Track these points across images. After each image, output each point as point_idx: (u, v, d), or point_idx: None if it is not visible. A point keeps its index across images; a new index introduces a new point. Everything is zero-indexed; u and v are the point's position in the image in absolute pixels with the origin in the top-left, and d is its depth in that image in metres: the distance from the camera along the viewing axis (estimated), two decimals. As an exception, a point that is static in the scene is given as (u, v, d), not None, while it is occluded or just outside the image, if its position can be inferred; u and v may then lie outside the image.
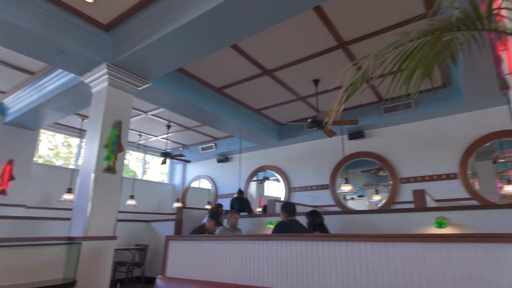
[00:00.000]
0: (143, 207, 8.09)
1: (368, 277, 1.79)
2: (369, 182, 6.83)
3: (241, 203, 6.54)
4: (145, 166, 9.36)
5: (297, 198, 7.20)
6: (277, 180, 7.85)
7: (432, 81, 1.35)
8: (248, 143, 7.51)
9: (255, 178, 8.30)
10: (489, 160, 5.39)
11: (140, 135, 7.72)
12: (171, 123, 6.90)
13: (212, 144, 8.33)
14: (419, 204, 4.34)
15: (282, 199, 7.48)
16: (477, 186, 5.34)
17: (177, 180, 9.85)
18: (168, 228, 5.86)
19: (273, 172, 7.89)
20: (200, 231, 4.10)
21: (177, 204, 8.26)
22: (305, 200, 6.92)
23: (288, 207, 3.62)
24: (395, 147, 6.17)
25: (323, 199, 6.89)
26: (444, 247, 1.65)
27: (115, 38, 3.61)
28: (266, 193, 8.39)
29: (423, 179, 5.78)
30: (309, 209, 5.79)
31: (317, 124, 4.92)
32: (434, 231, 3.39)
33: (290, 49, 4.12)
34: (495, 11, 1.38)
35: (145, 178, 9.24)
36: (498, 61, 1.63)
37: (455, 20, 0.93)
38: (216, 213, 4.23)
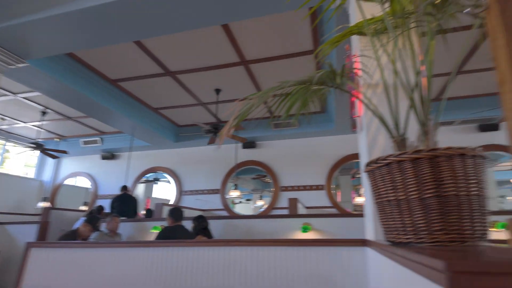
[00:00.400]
0: (-5, 205, 6.64)
1: (246, 278, 2.01)
2: (256, 187, 7.43)
3: (123, 203, 5.88)
4: (3, 156, 7.71)
5: (187, 201, 7.20)
6: (168, 181, 7.67)
7: (307, 112, 1.67)
8: (139, 141, 7.11)
9: (144, 179, 7.89)
10: (348, 175, 6.63)
11: (3, 119, 6.36)
12: (48, 110, 5.94)
13: (98, 138, 7.53)
14: (292, 211, 5.00)
15: (172, 202, 7.35)
16: (339, 196, 6.48)
17: (47, 176, 8.46)
18: (29, 232, 4.98)
19: (165, 174, 7.68)
20: (72, 237, 3.66)
21: (43, 204, 7.11)
22: (195, 204, 6.99)
23: (175, 212, 3.63)
24: (280, 158, 6.91)
25: (213, 203, 7.10)
26: (301, 250, 2.01)
27: (-19, 2, 2.95)
28: (154, 195, 8.08)
29: (298, 188, 6.65)
30: (198, 212, 5.92)
31: (214, 131, 5.10)
32: (300, 235, 3.97)
33: (196, 56, 4.18)
34: (351, 70, 1.80)
35: (2, 170, 7.60)
36: (352, 105, 2.11)
37: (316, 78, 1.21)
38: (94, 217, 3.85)
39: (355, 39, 2.00)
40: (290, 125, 6.31)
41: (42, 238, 4.94)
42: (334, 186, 6.51)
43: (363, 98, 1.63)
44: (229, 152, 7.05)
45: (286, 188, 6.72)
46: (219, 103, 5.50)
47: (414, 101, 1.17)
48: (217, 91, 5.20)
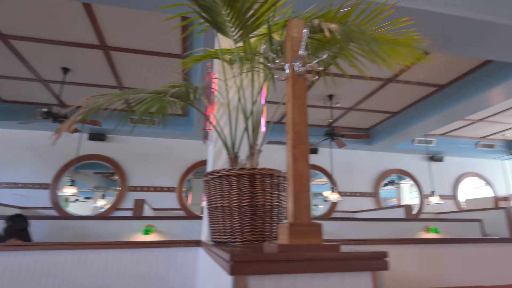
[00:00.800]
0: None
1: (68, 285, 1.83)
2: (100, 184, 6.69)
3: None
4: None
5: (3, 196, 5.75)
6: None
7: (164, 113, 1.73)
8: None
9: None
10: (201, 179, 6.94)
11: None
12: None
13: None
14: (137, 212, 4.83)
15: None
16: (190, 199, 6.66)
17: None
18: None
19: (-31, 158, 5.89)
20: None
21: None
22: (12, 200, 5.67)
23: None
24: (132, 156, 6.53)
25: (37, 199, 5.94)
26: (136, 252, 2.03)
27: None
28: None
29: (148, 189, 6.44)
30: (15, 210, 4.81)
31: (53, 116, 4.35)
32: (141, 237, 3.88)
33: (42, 25, 3.50)
34: (209, 87, 2.00)
35: None
36: (206, 117, 2.32)
37: (170, 93, 1.33)
38: None
39: (216, 60, 2.23)
40: (150, 123, 6.10)
41: None
42: (186, 189, 6.67)
43: (214, 117, 1.85)
44: (70, 143, 6.12)
45: (134, 188, 6.39)
46: (66, 83, 4.75)
47: (248, 126, 1.44)
48: (65, 70, 4.49)
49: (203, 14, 1.31)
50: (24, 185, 5.99)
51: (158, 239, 3.98)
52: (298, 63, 0.88)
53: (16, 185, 5.95)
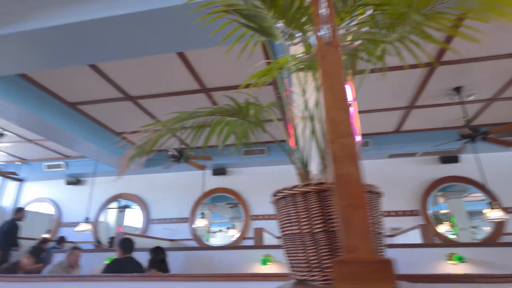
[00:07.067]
0: None
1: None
2: (235, 215, 7.21)
3: (2, 230, 5.48)
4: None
5: (155, 230, 6.91)
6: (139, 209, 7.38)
7: (248, 140, 1.64)
8: (106, 166, 6.89)
9: (114, 205, 7.56)
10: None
11: (-42, 141, 6.06)
12: (5, 132, 5.71)
13: (62, 162, 7.25)
14: (257, 241, 4.86)
15: (140, 231, 7.02)
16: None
17: (8, 201, 7.98)
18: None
19: (132, 201, 7.40)
20: (13, 270, 3.39)
21: (-2, 232, 6.62)
22: (163, 233, 6.71)
23: (125, 243, 3.44)
24: (250, 186, 6.82)
25: (182, 232, 6.83)
26: (241, 285, 1.91)
27: None
28: (127, 223, 7.70)
29: (269, 217, 6.52)
30: (165, 243, 5.65)
31: (181, 157, 5.02)
32: (259, 268, 3.82)
33: (155, 82, 4.17)
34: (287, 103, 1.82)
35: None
36: (288, 135, 2.12)
37: (226, 110, 1.20)
38: (38, 248, 3.61)
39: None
40: (260, 153, 6.31)
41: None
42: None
43: (291, 132, 1.64)
44: (197, 179, 6.91)
45: (256, 217, 6.58)
46: (183, 129, 5.45)
47: (316, 134, 1.17)
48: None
49: (251, 24, 1.20)
50: (170, 220, 7.02)
51: (276, 270, 3.83)
52: (325, 28, 0.61)
53: (164, 221, 7.04)
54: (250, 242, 6.33)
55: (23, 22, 2.71)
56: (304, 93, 1.48)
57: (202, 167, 5.26)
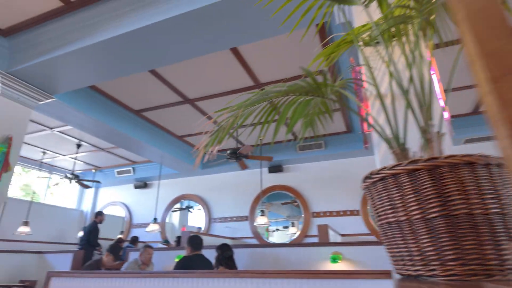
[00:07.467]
0: (40, 235, 7.03)
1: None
2: (292, 214, 7.10)
3: (85, 231, 6.14)
4: (49, 188, 8.27)
5: (217, 229, 7.08)
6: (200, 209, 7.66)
7: (314, 130, 1.53)
8: (169, 169, 7.26)
9: (178, 207, 7.95)
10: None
11: (44, 153, 6.88)
12: (82, 142, 6.33)
13: (130, 168, 7.83)
14: (323, 238, 4.66)
15: (203, 230, 7.27)
16: (378, 222, 5.97)
17: (87, 206, 8.88)
18: (67, 261, 5.15)
19: (195, 201, 7.69)
20: (96, 267, 3.69)
21: (82, 233, 7.38)
22: (224, 232, 6.84)
23: (194, 240, 3.52)
24: (308, 182, 6.61)
25: (242, 230, 6.90)
26: (317, 283, 1.78)
27: (14, 45, 3.28)
28: (189, 223, 8.06)
29: (331, 214, 6.25)
30: (227, 241, 5.75)
31: (236, 156, 5.04)
32: (329, 266, 3.63)
33: (211, 82, 4.24)
34: (357, 83, 1.65)
35: (48, 201, 8.11)
36: (362, 119, 1.93)
37: (301, 87, 1.09)
38: (115, 247, 3.88)
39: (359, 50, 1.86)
40: (317, 147, 6.08)
41: (77, 267, 5.07)
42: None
43: (366, 111, 1.46)
44: (254, 177, 6.91)
45: (318, 214, 6.35)
46: (239, 127, 5.47)
47: (411, 103, 0.99)
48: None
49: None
50: (231, 219, 7.13)
51: (347, 267, 3.61)
52: None
53: (225, 219, 7.18)
54: (312, 240, 6.13)
55: (90, 36, 2.91)
56: (390, 65, 1.29)
57: (269, 159, 5.20)
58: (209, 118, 4.68)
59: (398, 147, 1.02)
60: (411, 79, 1.00)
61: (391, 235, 0.93)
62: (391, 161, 1.51)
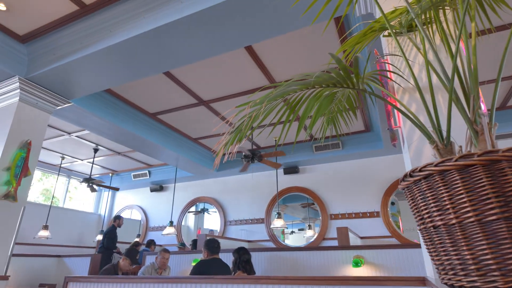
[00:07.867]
0: (59, 239, 7.15)
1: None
2: (307, 215, 6.96)
3: (104, 235, 6.20)
4: (68, 192, 8.42)
5: (233, 231, 7.02)
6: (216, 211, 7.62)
7: (337, 128, 1.44)
8: (184, 172, 7.25)
9: (193, 209, 7.94)
10: (405, 200, 5.91)
11: (63, 158, 7.00)
12: (99, 147, 6.40)
13: (146, 171, 7.88)
14: (342, 241, 4.50)
15: (218, 232, 7.22)
16: (401, 224, 5.76)
17: (104, 210, 8.99)
18: (85, 265, 5.19)
19: (211, 204, 7.66)
20: (112, 271, 3.67)
21: (100, 237, 7.47)
22: (240, 235, 6.77)
23: (210, 244, 3.45)
24: (326, 183, 6.46)
25: (258, 233, 6.81)
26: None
27: (32, 51, 3.32)
28: (205, 226, 8.03)
29: (349, 216, 6.07)
30: (243, 244, 5.67)
31: (253, 156, 4.97)
32: (351, 270, 3.50)
33: (225, 83, 4.19)
34: (383, 75, 1.54)
35: (67, 206, 8.26)
36: (389, 115, 1.81)
37: (329, 77, 1.00)
38: (132, 250, 3.86)
39: (383, 41, 1.75)
40: (334, 147, 5.93)
41: (95, 271, 5.10)
42: (393, 213, 5.82)
43: (397, 104, 1.35)
44: (271, 179, 6.81)
45: (336, 216, 6.19)
46: (254, 129, 5.40)
47: (457, 94, 0.88)
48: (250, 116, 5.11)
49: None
50: (246, 221, 7.05)
51: (370, 272, 3.46)
52: None
53: (241, 222, 7.10)
54: (330, 243, 5.97)
55: (105, 39, 2.91)
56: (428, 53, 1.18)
57: (281, 154, 5.14)
58: (223, 118, 4.60)
59: (442, 141, 0.91)
60: (455, 68, 0.89)
61: (437, 240, 0.82)
62: (424, 158, 1.39)
